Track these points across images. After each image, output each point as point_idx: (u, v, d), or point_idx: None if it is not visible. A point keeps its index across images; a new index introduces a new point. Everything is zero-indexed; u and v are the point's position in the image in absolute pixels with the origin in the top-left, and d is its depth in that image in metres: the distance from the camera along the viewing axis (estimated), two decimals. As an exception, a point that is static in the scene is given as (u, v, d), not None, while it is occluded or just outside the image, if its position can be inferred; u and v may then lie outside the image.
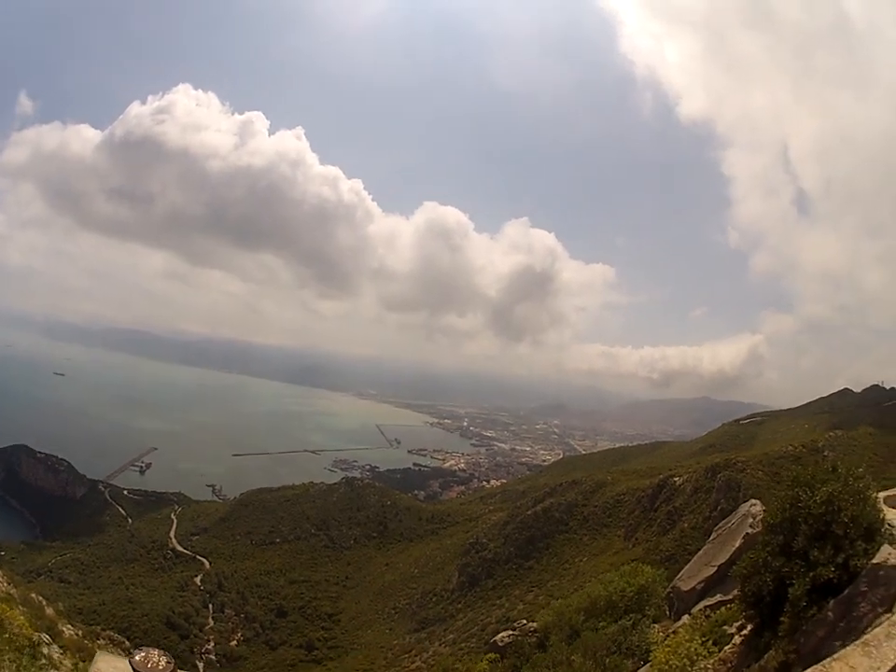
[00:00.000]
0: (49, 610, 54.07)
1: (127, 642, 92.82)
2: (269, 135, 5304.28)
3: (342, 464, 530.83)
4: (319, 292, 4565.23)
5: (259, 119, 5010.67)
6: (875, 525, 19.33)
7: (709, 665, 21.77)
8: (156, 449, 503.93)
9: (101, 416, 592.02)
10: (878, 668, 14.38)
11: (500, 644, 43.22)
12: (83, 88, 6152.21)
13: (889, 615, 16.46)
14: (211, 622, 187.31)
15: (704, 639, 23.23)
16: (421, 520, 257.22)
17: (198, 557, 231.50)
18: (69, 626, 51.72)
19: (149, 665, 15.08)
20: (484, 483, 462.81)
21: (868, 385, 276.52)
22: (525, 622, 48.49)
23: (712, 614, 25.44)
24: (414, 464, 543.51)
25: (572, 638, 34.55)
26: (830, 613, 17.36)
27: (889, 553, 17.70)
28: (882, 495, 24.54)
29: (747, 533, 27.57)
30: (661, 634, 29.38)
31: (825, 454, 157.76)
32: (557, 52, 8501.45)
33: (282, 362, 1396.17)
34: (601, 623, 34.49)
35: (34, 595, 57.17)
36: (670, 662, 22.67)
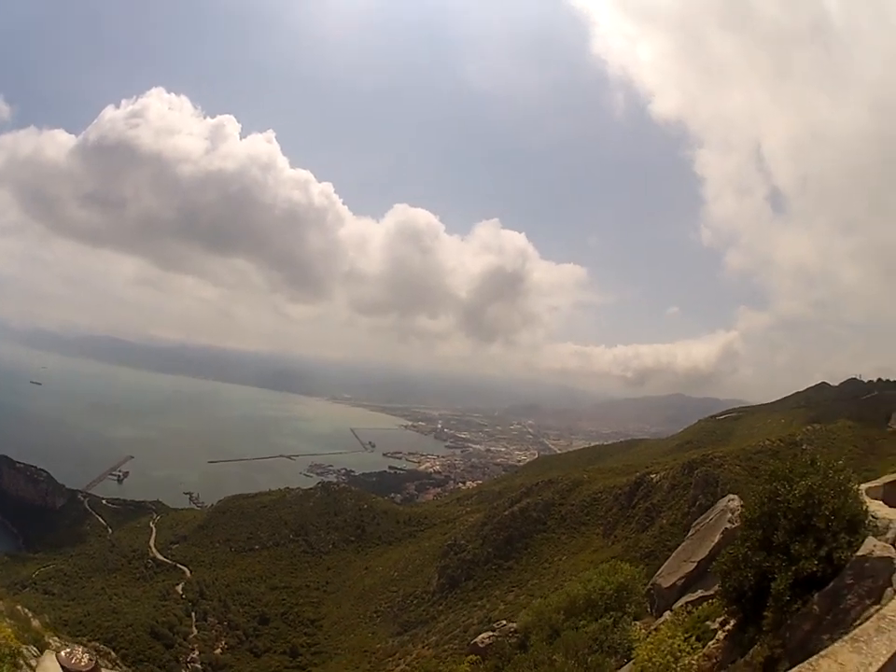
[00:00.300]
0: (36, 623, 53.70)
1: (113, 653, 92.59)
2: (240, 139, 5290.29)
3: (317, 469, 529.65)
4: (291, 296, 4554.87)
5: (230, 123, 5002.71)
6: (857, 517, 19.22)
7: (694, 661, 21.66)
8: (132, 457, 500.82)
9: (78, 425, 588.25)
10: (869, 665, 13.94)
11: (481, 645, 43.10)
12: (58, 92, 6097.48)
13: (877, 607, 16.38)
14: (195, 630, 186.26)
15: (687, 635, 23.18)
16: (398, 523, 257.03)
17: (178, 566, 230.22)
18: (55, 638, 51.43)
19: (73, 661, 15.46)
20: (460, 484, 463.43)
21: (845, 379, 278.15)
22: (504, 622, 48.40)
23: (694, 610, 25.35)
24: (390, 467, 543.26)
25: (553, 638, 34.48)
26: (815, 607, 17.23)
27: (875, 545, 17.62)
28: (864, 486, 24.53)
29: (726, 528, 27.61)
30: (643, 631, 29.36)
31: (803, 447, 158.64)
32: (530, 53, 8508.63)
33: (255, 367, 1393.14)
34: (581, 622, 34.41)
35: (19, 608, 56.86)
36: (653, 659, 22.60)
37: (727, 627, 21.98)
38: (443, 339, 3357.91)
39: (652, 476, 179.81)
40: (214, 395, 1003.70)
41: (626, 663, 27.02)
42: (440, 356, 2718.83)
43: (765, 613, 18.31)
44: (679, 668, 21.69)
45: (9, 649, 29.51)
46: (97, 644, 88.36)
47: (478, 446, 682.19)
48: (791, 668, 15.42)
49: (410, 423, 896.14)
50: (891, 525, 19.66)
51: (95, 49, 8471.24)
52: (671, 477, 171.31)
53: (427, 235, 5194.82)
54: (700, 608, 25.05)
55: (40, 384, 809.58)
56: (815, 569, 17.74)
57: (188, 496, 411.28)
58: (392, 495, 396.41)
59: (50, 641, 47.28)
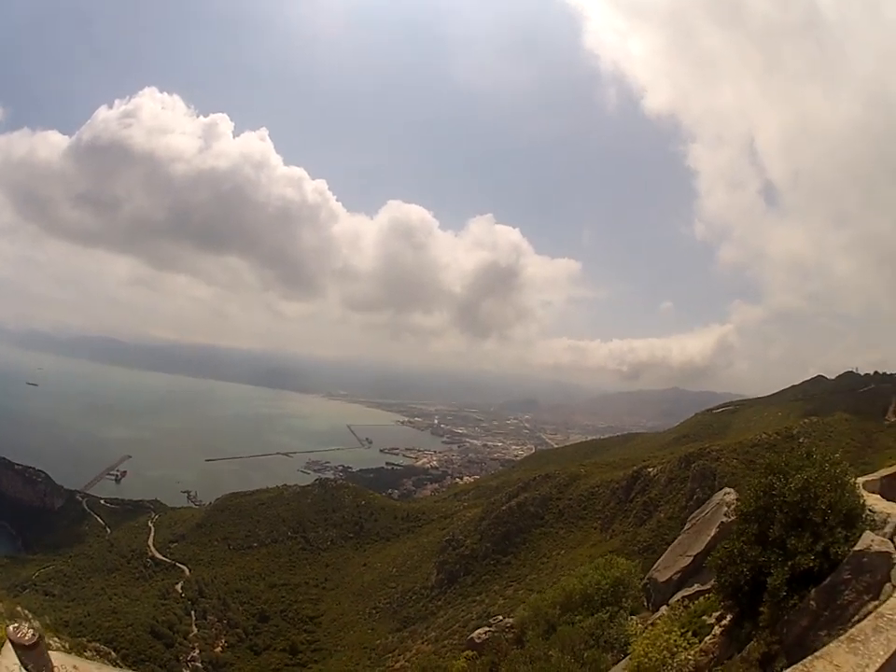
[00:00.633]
0: (37, 624, 53.65)
1: (113, 653, 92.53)
2: (233, 137, 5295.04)
3: (314, 465, 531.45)
4: (284, 294, 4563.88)
5: (223, 121, 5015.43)
6: (854, 511, 19.08)
7: (690, 657, 21.55)
8: (130, 457, 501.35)
9: (74, 426, 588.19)
10: (866, 666, 13.52)
11: (477, 641, 43.02)
12: (51, 93, 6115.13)
13: (875, 603, 16.21)
14: (195, 629, 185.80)
15: (683, 630, 23.07)
16: (396, 519, 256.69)
17: (177, 565, 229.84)
18: (56, 639, 51.45)
19: (18, 635, 15.71)
20: (458, 479, 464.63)
21: (841, 372, 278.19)
22: (501, 618, 48.36)
23: (691, 605, 25.31)
24: (387, 463, 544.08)
25: (549, 633, 34.41)
26: (812, 602, 17.08)
27: (872, 540, 17.45)
28: (861, 480, 24.31)
29: (722, 522, 27.52)
30: (639, 626, 29.21)
31: (801, 440, 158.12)
32: (522, 49, 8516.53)
33: (250, 365, 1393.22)
34: (577, 617, 34.35)
35: (20, 609, 56.82)
36: (650, 654, 22.47)
37: (723, 622, 21.90)
38: (438, 335, 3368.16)
39: (650, 470, 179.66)
40: (209, 393, 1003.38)
41: (623, 658, 26.91)
42: (434, 352, 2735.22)
43: (762, 609, 18.26)
44: (675, 664, 21.57)
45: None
46: (97, 644, 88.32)
47: (475, 441, 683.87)
48: (788, 665, 15.29)
49: (406, 419, 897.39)
50: (889, 520, 19.44)
51: (88, 50, 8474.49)
52: (668, 471, 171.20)
53: (421, 231, 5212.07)
54: (696, 602, 25.02)
55: (36, 385, 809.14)
56: (811, 564, 17.61)
57: (185, 494, 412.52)
58: (390, 491, 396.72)
59: (51, 643, 47.17)
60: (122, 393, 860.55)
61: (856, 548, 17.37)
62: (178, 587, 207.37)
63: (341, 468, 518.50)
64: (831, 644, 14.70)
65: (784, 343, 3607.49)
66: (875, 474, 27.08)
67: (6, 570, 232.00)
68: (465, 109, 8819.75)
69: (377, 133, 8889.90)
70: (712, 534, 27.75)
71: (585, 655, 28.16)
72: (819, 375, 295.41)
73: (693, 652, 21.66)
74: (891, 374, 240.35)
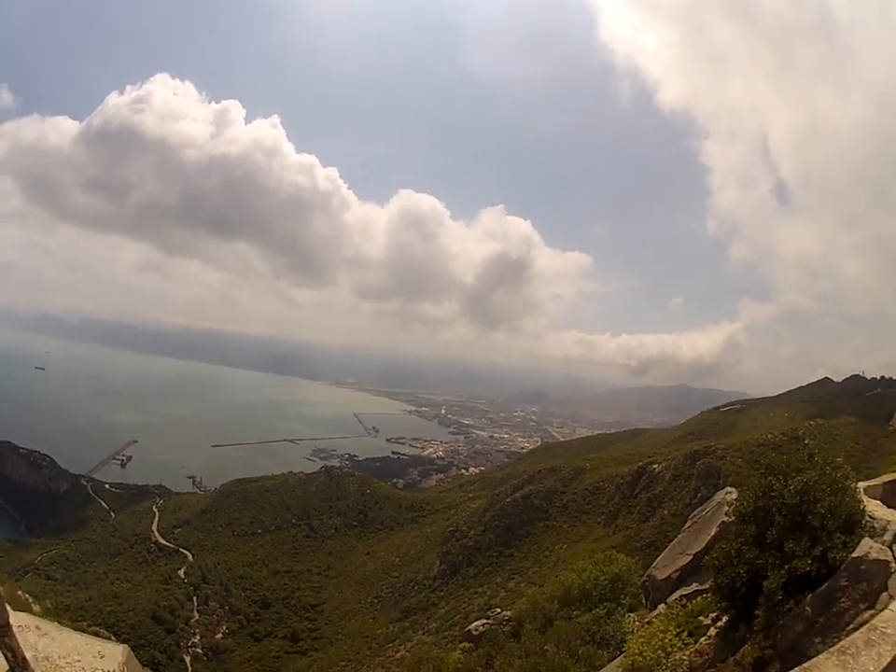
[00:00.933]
0: (37, 608, 53.49)
1: (113, 638, 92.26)
2: (245, 124, 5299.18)
3: (320, 453, 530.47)
4: (295, 281, 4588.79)
5: (235, 108, 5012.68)
6: (854, 516, 18.87)
7: (685, 657, 21.43)
8: (136, 441, 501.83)
9: (81, 410, 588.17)
10: None
11: (475, 633, 43.07)
12: (63, 79, 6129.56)
13: (871, 612, 15.99)
14: (196, 615, 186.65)
15: (679, 630, 22.94)
16: (401, 508, 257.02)
17: (181, 550, 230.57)
18: (57, 623, 51.22)
19: None
20: (463, 470, 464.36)
21: (848, 375, 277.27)
22: (499, 610, 48.34)
23: (688, 604, 25.15)
24: (393, 452, 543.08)
25: (546, 627, 34.44)
26: (808, 608, 16.92)
27: (871, 547, 17.24)
28: (863, 485, 24.08)
29: (722, 521, 27.35)
30: (636, 623, 29.12)
31: (805, 442, 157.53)
32: (535, 41, 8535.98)
33: (259, 352, 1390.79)
34: (575, 612, 34.34)
35: (20, 593, 56.57)
36: (644, 653, 22.39)
37: (719, 624, 21.74)
38: (447, 325, 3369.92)
39: (655, 466, 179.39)
40: (217, 379, 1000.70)
41: (619, 655, 26.80)
42: (443, 341, 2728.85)
43: (757, 612, 18.06)
44: (669, 663, 21.47)
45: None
46: (98, 629, 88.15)
47: (481, 432, 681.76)
48: (781, 671, 15.13)
49: (413, 408, 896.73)
50: (889, 527, 19.17)
51: (99, 36, 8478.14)
52: (673, 468, 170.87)
53: (432, 221, 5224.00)
54: (694, 602, 24.85)
55: (43, 369, 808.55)
56: (808, 569, 17.43)
57: (191, 480, 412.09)
58: (395, 480, 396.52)
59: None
60: (131, 378, 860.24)
61: (854, 554, 17.17)
62: (181, 573, 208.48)
63: (347, 456, 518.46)
64: (820, 656, 14.50)
65: (792, 342, 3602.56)
66: (877, 479, 26.90)
67: (8, 554, 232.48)
68: (478, 100, 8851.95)
69: (389, 122, 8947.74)
70: (712, 533, 27.60)
71: (580, 651, 28.14)
72: (826, 377, 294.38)
73: (687, 653, 21.56)
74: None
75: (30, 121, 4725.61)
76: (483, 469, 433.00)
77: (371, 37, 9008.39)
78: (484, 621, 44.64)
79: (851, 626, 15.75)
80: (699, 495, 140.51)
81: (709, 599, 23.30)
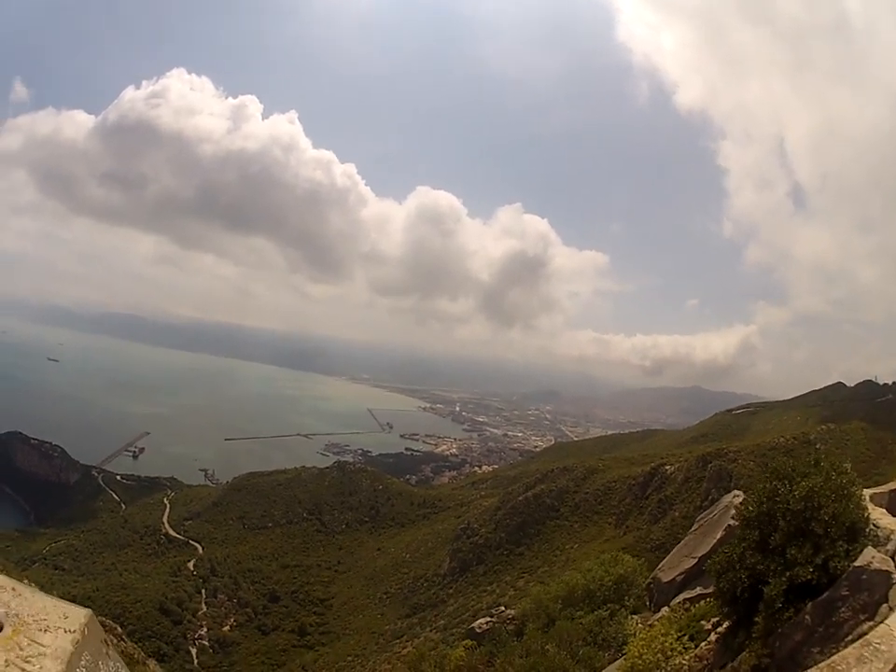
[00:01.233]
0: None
1: (119, 629, 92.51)
2: (262, 119, 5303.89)
3: (333, 448, 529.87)
4: (311, 276, 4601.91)
5: (252, 103, 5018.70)
6: (858, 524, 18.44)
7: (685, 661, 21.26)
8: (149, 433, 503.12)
9: (94, 401, 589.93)
10: None
11: (478, 631, 43.14)
12: (78, 73, 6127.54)
13: (870, 623, 15.69)
14: (204, 607, 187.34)
15: (680, 634, 22.82)
16: (413, 505, 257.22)
17: (191, 542, 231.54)
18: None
19: None
20: (476, 468, 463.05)
21: (861, 380, 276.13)
22: (503, 609, 48.38)
23: (692, 608, 25.01)
24: (406, 448, 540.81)
25: (548, 627, 34.35)
26: (808, 617, 16.54)
27: (873, 557, 16.81)
28: (868, 492, 23.70)
29: (728, 525, 27.13)
30: (639, 625, 29.03)
31: (817, 446, 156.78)
32: (553, 38, 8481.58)
33: (274, 346, 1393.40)
34: (578, 613, 34.25)
35: (26, 582, 56.57)
36: (644, 656, 22.29)
37: (720, 629, 21.52)
38: (463, 322, 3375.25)
39: (667, 467, 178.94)
40: (231, 373, 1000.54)
41: (620, 657, 26.66)
42: (459, 339, 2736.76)
43: (756, 619, 17.79)
44: (668, 667, 21.33)
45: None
46: (104, 619, 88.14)
47: (495, 430, 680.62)
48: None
49: (428, 405, 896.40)
50: (892, 536, 18.88)
51: (116, 30, 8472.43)
52: (685, 469, 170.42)
53: (450, 218, 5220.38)
54: (697, 606, 24.72)
55: (57, 360, 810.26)
56: (810, 577, 17.05)
57: (203, 472, 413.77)
58: (408, 476, 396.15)
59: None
60: (144, 370, 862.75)
61: (856, 564, 16.73)
62: (190, 565, 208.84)
63: (360, 451, 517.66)
64: (810, 671, 14.24)
65: (807, 346, 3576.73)
66: (884, 487, 26.52)
67: (16, 544, 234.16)
68: (495, 97, 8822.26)
69: (406, 118, 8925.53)
70: (718, 536, 27.41)
71: (581, 652, 28.04)
72: (839, 382, 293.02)
73: (687, 657, 21.40)
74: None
75: (45, 115, 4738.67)
76: (495, 466, 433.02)
77: (387, 33, 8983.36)
78: (488, 619, 44.74)
79: (850, 637, 15.35)
80: (710, 497, 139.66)
81: (712, 603, 23.09)
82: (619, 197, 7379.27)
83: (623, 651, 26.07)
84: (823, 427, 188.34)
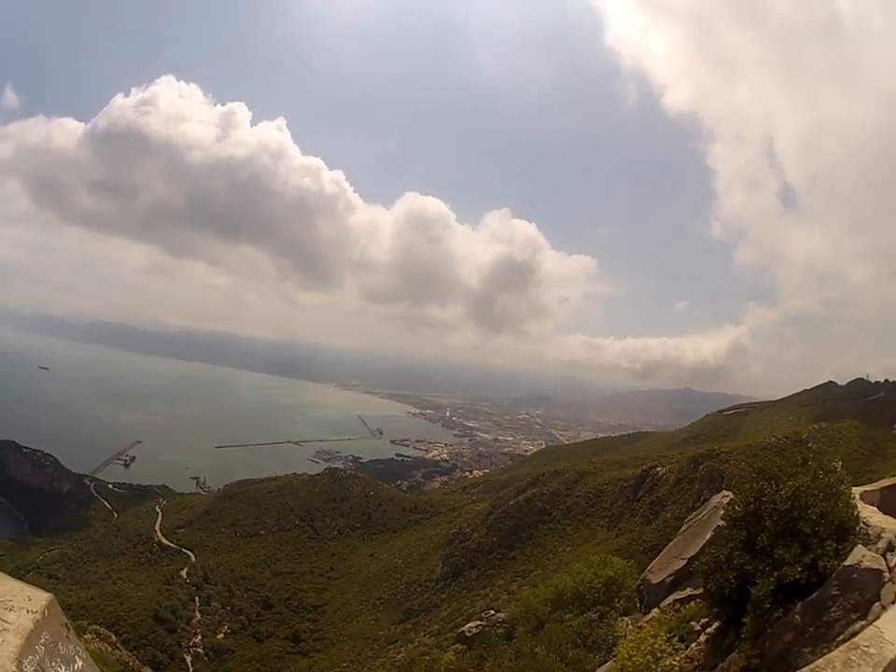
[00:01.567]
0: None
1: (114, 637, 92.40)
2: (251, 126, 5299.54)
3: (324, 455, 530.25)
4: (301, 284, 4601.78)
5: (241, 110, 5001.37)
6: (847, 523, 18.38)
7: (675, 663, 21.16)
8: (140, 442, 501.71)
9: (85, 410, 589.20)
10: None
11: (468, 634, 43.05)
12: (68, 80, 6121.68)
13: (862, 623, 15.53)
14: (198, 615, 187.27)
15: (670, 635, 22.73)
16: (404, 510, 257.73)
17: (183, 550, 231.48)
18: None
19: None
20: (467, 473, 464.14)
21: (852, 379, 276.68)
22: (493, 612, 48.27)
23: (682, 608, 24.92)
24: (397, 454, 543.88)
25: (538, 630, 34.32)
26: (797, 617, 16.46)
27: (864, 555, 16.73)
28: (860, 490, 23.65)
29: (718, 526, 26.93)
30: (629, 627, 28.95)
31: (809, 445, 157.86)
32: (541, 43, 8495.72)
33: (265, 354, 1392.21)
34: (567, 615, 34.22)
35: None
36: (634, 658, 22.23)
37: (709, 630, 21.42)
38: (453, 328, 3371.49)
39: (658, 469, 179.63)
40: (223, 381, 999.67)
41: (610, 659, 26.60)
42: (449, 345, 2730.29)
43: (745, 619, 17.69)
44: (658, 669, 21.26)
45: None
46: (98, 627, 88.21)
47: (486, 435, 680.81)
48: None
49: (418, 411, 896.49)
50: (883, 535, 18.63)
51: (105, 38, 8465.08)
52: (677, 471, 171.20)
53: (438, 224, 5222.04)
54: (687, 607, 24.63)
55: (48, 369, 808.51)
56: (798, 576, 16.96)
57: (194, 480, 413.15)
58: (399, 482, 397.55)
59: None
60: (135, 379, 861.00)
61: (846, 563, 16.67)
62: (183, 573, 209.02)
63: (351, 457, 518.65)
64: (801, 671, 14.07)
65: (798, 347, 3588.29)
66: (876, 484, 26.38)
67: (10, 553, 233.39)
68: (483, 103, 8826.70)
69: (394, 125, 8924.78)
70: (707, 537, 27.29)
71: (570, 655, 27.97)
72: (831, 381, 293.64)
73: (678, 658, 21.31)
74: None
75: (35, 122, 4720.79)
76: (486, 471, 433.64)
77: (375, 39, 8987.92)
78: (478, 622, 44.66)
79: (842, 637, 15.26)
80: (702, 498, 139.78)
81: (702, 604, 23.03)
82: (608, 201, 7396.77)
83: (613, 654, 26.02)
84: (815, 426, 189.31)
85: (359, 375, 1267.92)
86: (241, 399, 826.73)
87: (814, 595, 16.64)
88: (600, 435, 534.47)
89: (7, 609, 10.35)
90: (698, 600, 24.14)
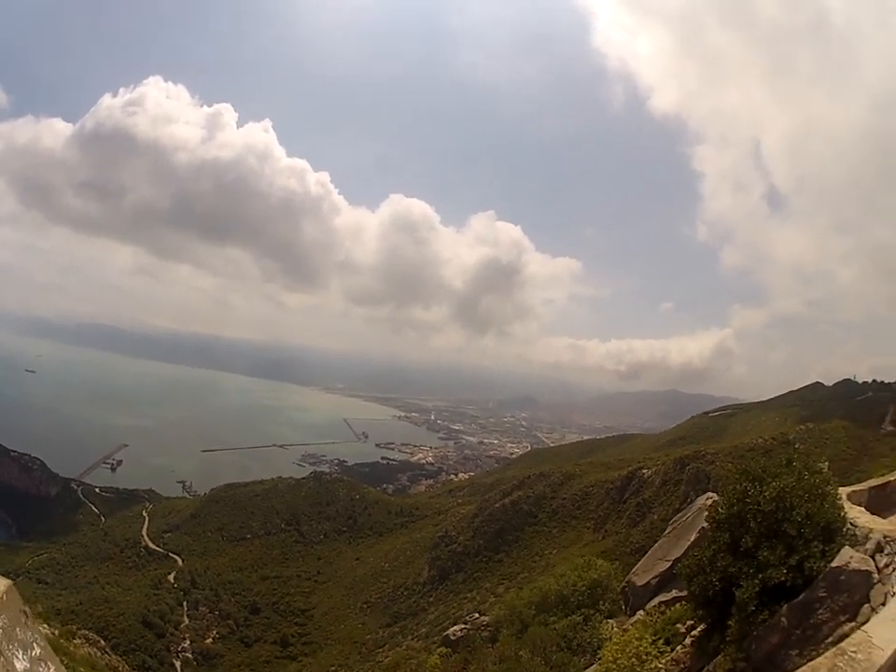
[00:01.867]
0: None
1: (103, 641, 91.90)
2: (237, 128, 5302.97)
3: (310, 458, 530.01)
4: (286, 285, 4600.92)
5: (227, 112, 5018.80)
6: (834, 524, 18.24)
7: (661, 666, 21.03)
8: (126, 446, 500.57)
9: (72, 413, 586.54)
10: None
11: (453, 638, 42.99)
12: (55, 81, 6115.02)
13: (852, 625, 15.33)
14: (186, 619, 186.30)
15: (655, 638, 22.61)
16: (390, 514, 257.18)
17: (170, 555, 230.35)
18: (46, 626, 51.53)
19: None
20: (452, 476, 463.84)
21: (840, 379, 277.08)
22: (477, 615, 48.16)
23: (667, 611, 24.81)
24: (382, 458, 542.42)
25: (522, 633, 34.20)
26: (784, 619, 16.29)
27: (851, 557, 16.58)
28: (848, 490, 23.52)
29: (702, 527, 26.85)
30: (614, 630, 28.83)
31: (796, 446, 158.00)
32: (528, 45, 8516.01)
33: (250, 356, 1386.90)
34: (552, 618, 34.06)
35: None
36: (618, 661, 22.12)
37: (694, 632, 21.27)
38: (437, 330, 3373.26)
39: (644, 471, 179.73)
40: (209, 384, 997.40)
41: (595, 662, 26.46)
42: (434, 347, 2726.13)
43: (730, 622, 17.52)
44: (643, 672, 21.08)
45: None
46: (87, 632, 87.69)
47: (471, 438, 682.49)
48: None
49: (403, 414, 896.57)
50: (871, 535, 18.49)
51: (93, 38, 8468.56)
52: (663, 472, 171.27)
53: (423, 226, 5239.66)
54: (672, 609, 24.52)
55: (34, 372, 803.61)
56: (783, 578, 16.79)
57: (181, 484, 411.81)
58: (384, 485, 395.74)
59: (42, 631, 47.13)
60: (122, 381, 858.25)
61: (833, 564, 16.49)
62: (171, 577, 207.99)
63: (336, 461, 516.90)
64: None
65: (784, 348, 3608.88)
66: (864, 484, 26.22)
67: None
68: (469, 105, 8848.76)
69: (379, 127, 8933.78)
70: (692, 539, 27.27)
71: (554, 658, 27.82)
72: (817, 381, 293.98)
73: (663, 661, 21.19)
74: (889, 383, 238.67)
75: (24, 122, 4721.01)
76: (472, 474, 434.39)
77: (361, 41, 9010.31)
78: (463, 626, 44.54)
79: (830, 640, 15.06)
80: (688, 500, 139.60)
81: (687, 607, 22.89)
82: (593, 203, 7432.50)
83: (598, 656, 25.90)
84: (802, 426, 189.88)
85: (344, 378, 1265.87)
86: (228, 403, 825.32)
87: (801, 597, 16.48)
88: (586, 437, 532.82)
89: None
90: (683, 602, 24.03)
